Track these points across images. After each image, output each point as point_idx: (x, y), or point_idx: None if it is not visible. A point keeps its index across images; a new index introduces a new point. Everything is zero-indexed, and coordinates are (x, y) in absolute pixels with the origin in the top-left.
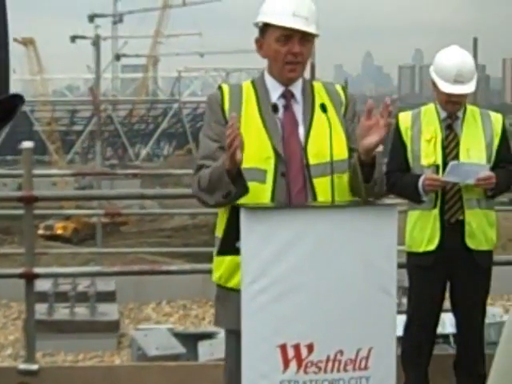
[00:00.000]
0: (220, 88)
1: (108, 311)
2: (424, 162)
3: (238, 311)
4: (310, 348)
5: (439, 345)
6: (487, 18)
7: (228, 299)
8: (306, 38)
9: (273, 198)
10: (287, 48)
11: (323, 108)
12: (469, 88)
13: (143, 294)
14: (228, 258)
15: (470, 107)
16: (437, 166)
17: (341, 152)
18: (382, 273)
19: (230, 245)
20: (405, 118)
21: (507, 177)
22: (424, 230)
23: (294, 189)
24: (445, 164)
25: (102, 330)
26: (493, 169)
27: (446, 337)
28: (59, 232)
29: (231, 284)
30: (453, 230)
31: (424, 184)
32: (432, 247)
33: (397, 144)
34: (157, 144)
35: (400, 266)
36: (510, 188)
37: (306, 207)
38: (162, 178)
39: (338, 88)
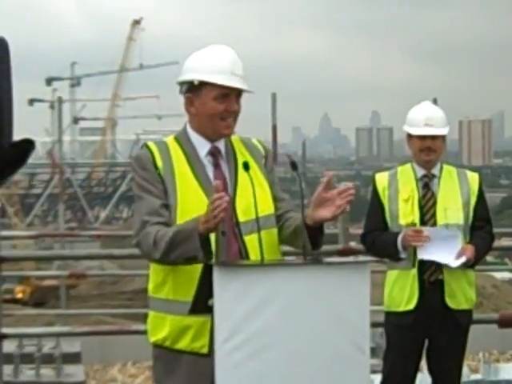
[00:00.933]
0: (147, 147)
1: (74, 372)
2: (402, 221)
3: (190, 375)
4: None
5: None
6: (445, 80)
7: (176, 362)
8: (239, 95)
9: (217, 258)
10: (224, 106)
11: (246, 166)
12: (440, 131)
13: (109, 355)
14: (171, 318)
15: (446, 166)
16: (414, 226)
17: (266, 208)
18: (355, 330)
19: (202, 303)
20: (381, 179)
21: (486, 242)
22: (403, 290)
23: (232, 248)
24: (422, 223)
25: None
26: (471, 228)
27: None
28: (19, 296)
29: (180, 346)
30: (432, 289)
31: (406, 237)
32: (411, 306)
33: (374, 204)
34: (116, 207)
35: (378, 325)
36: (489, 251)
37: (280, 265)
38: (121, 241)
39: (255, 142)
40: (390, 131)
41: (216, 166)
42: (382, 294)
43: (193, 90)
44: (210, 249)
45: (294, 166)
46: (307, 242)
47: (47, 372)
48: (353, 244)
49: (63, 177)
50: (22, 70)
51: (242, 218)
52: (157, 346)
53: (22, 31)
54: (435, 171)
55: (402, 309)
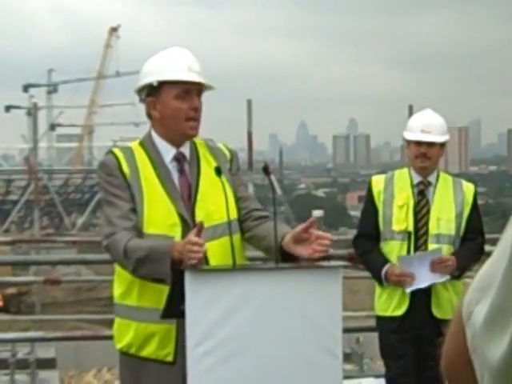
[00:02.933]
0: (112, 153)
1: (48, 378)
2: (395, 227)
3: (157, 383)
4: None
5: None
6: (422, 88)
7: (142, 370)
8: (200, 93)
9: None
10: (188, 104)
11: (218, 171)
12: (436, 138)
13: (84, 360)
14: (135, 325)
15: (443, 174)
16: (408, 233)
17: (233, 212)
18: (327, 335)
19: (175, 308)
20: (377, 182)
21: (472, 253)
22: (392, 297)
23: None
24: (415, 230)
25: None
26: (462, 239)
27: None
28: None
29: (145, 353)
30: (420, 298)
31: (390, 276)
32: (399, 313)
33: (369, 207)
34: (93, 213)
35: (354, 330)
36: (477, 262)
37: (251, 269)
38: (98, 247)
39: (221, 146)
40: (367, 138)
41: (181, 171)
42: (359, 301)
43: (153, 93)
44: (181, 272)
45: (265, 170)
46: (278, 251)
47: (22, 377)
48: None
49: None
50: None
51: (205, 225)
52: (123, 353)
53: None
54: (431, 179)
55: (389, 314)
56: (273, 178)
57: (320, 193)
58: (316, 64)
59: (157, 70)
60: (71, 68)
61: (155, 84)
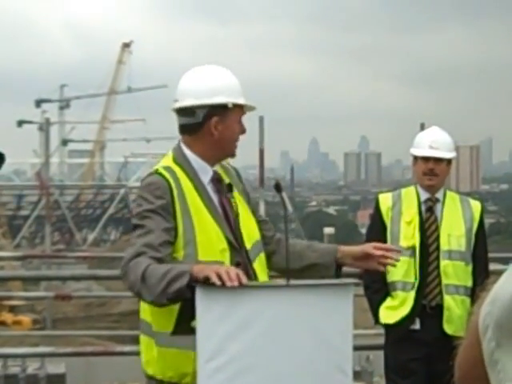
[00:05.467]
0: (161, 174)
1: None
2: (403, 243)
3: None
4: None
5: None
6: (434, 106)
7: None
8: None
9: None
10: (241, 127)
11: (230, 188)
12: (443, 154)
13: (94, 376)
14: (187, 354)
15: (449, 192)
16: (415, 249)
17: (258, 232)
18: (338, 352)
19: (185, 325)
20: (385, 200)
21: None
22: (402, 309)
23: (250, 274)
24: (425, 247)
25: None
26: (473, 255)
27: None
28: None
29: (187, 380)
30: (432, 313)
31: None
32: (406, 312)
33: (376, 224)
34: (104, 229)
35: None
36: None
37: (262, 286)
38: (108, 263)
39: (229, 166)
40: (378, 156)
41: (218, 192)
42: (370, 318)
43: (220, 112)
44: (192, 288)
45: (277, 187)
46: (289, 263)
47: None
48: None
49: (51, 198)
50: (12, 91)
51: (248, 245)
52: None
53: (11, 53)
54: (439, 195)
55: (398, 318)
56: (284, 195)
57: (331, 210)
58: (328, 81)
59: (224, 90)
60: (83, 83)
61: (230, 106)
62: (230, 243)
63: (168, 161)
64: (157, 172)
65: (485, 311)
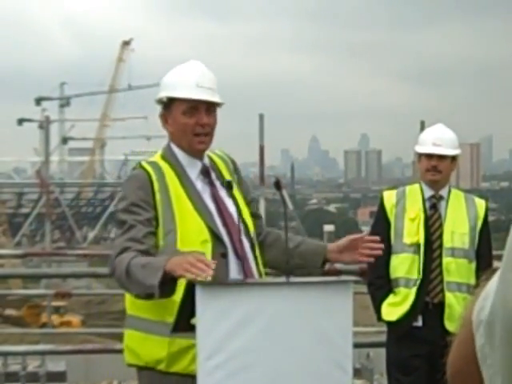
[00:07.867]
0: (144, 168)
1: None
2: (407, 240)
3: None
4: None
5: None
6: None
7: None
8: (212, 108)
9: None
10: (195, 120)
11: (229, 186)
12: (446, 151)
13: (94, 373)
14: (168, 340)
15: (454, 190)
16: (418, 246)
17: (252, 225)
18: (338, 350)
19: (185, 322)
20: (389, 196)
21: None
22: (403, 307)
23: (247, 267)
24: (428, 244)
25: None
26: (477, 253)
27: None
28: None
29: (176, 368)
30: (434, 310)
31: None
32: (408, 308)
33: (380, 221)
34: (104, 227)
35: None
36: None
37: (262, 284)
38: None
39: (221, 154)
40: (378, 154)
41: (210, 184)
42: (370, 316)
43: (165, 107)
44: (174, 287)
45: (277, 185)
46: (290, 261)
47: None
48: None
49: (51, 196)
50: (12, 89)
51: (247, 237)
52: (146, 368)
53: (10, 50)
54: (443, 193)
55: (400, 314)
56: (284, 192)
57: (331, 208)
58: (328, 78)
59: (168, 85)
60: (83, 81)
61: (164, 100)
62: (214, 235)
63: (155, 157)
64: (139, 166)
65: (479, 307)
